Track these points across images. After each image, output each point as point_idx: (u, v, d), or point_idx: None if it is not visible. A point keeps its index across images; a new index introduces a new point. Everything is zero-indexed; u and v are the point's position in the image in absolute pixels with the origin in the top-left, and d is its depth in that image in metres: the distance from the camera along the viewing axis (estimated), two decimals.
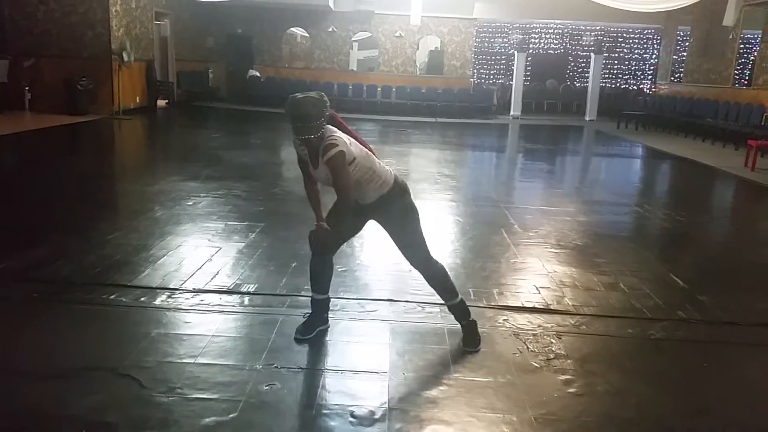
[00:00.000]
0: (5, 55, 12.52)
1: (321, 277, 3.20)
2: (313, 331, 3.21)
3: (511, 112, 17.77)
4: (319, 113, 2.77)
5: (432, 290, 3.28)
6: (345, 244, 3.45)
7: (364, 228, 3.22)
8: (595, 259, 4.82)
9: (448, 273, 3.27)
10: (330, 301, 3.31)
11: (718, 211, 7.86)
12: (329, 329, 3.29)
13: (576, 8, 15.56)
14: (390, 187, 3.00)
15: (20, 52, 12.76)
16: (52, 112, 12.30)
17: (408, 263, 3.20)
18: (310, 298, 3.27)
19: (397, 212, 3.05)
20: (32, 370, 2.78)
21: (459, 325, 3.25)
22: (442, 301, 3.28)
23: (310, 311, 3.28)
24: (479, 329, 3.27)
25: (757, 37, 14.16)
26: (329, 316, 3.34)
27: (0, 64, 12.24)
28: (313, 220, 3.03)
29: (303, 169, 3.04)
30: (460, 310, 3.23)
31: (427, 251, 3.15)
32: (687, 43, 17.28)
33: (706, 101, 14.86)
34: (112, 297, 3.61)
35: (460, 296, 3.24)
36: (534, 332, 3.42)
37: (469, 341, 3.20)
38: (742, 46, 14.88)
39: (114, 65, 13.02)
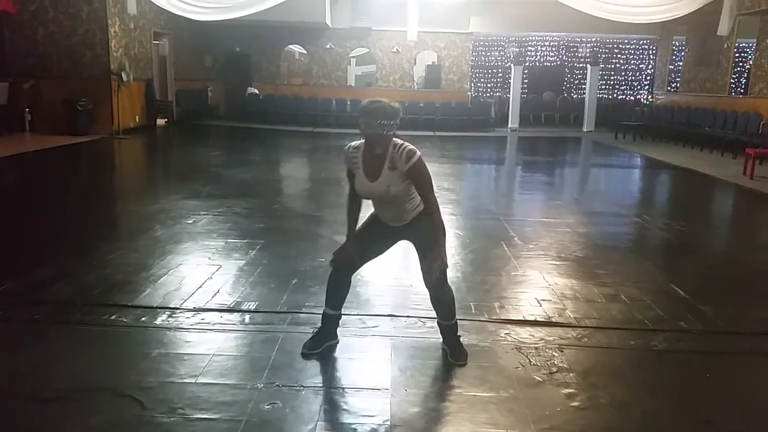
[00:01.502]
0: (5, 77, 12.60)
1: (339, 293, 3.21)
2: (322, 346, 3.20)
3: (509, 125, 17.84)
4: (388, 115, 2.79)
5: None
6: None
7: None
8: (595, 270, 4.82)
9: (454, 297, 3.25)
10: (340, 318, 3.31)
11: (718, 220, 7.86)
12: (336, 345, 3.28)
13: (571, 21, 15.67)
14: (422, 208, 3.01)
15: (20, 73, 12.85)
16: (52, 133, 12.35)
17: (424, 282, 3.12)
18: (321, 313, 3.26)
19: (426, 231, 3.00)
20: (33, 391, 2.77)
21: (456, 343, 3.23)
22: (438, 318, 3.24)
23: (318, 326, 3.27)
24: (481, 343, 3.26)
25: (752, 45, 14.25)
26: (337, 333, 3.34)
27: (0, 86, 12.32)
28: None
29: (351, 181, 3.04)
30: (451, 329, 3.22)
31: (446, 274, 3.11)
32: (683, 53, 17.39)
33: (703, 110, 14.92)
34: (113, 317, 3.60)
35: (456, 318, 3.24)
36: (536, 345, 3.41)
37: (459, 355, 3.18)
38: (737, 54, 14.99)
39: (113, 85, 13.10)
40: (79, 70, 13.06)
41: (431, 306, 3.23)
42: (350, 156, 2.96)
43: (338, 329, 3.36)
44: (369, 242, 3.15)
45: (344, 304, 3.24)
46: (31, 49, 12.96)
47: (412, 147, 2.87)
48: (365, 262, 3.25)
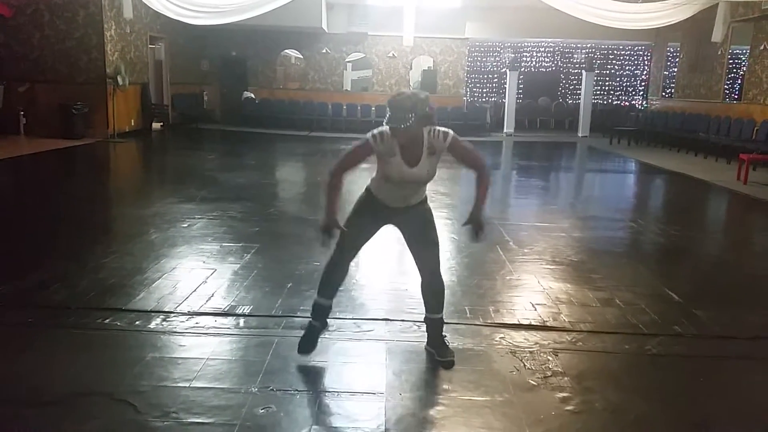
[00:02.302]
0: (1, 80, 12.58)
1: (335, 281, 3.21)
2: (317, 343, 3.20)
3: (505, 130, 17.89)
4: (415, 107, 2.82)
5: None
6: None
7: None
8: (590, 274, 4.83)
9: None
10: (331, 309, 3.29)
11: (712, 225, 7.90)
12: (326, 350, 3.27)
13: (566, 27, 15.73)
14: (426, 194, 3.17)
15: (16, 77, 12.83)
16: (47, 137, 12.32)
17: (419, 270, 3.17)
18: (312, 305, 3.23)
19: (427, 215, 3.15)
20: (27, 396, 2.76)
21: (441, 342, 3.25)
22: (427, 312, 3.24)
23: (308, 324, 3.23)
24: (476, 347, 3.27)
25: (746, 52, 14.34)
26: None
27: None
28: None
29: (358, 162, 3.01)
30: (440, 324, 3.24)
31: (439, 261, 3.19)
32: (677, 59, 17.48)
33: (697, 116, 14.99)
34: (107, 321, 3.59)
35: (443, 313, 3.26)
36: (531, 349, 3.41)
37: (445, 352, 3.19)
38: (731, 61, 15.06)
39: (109, 89, 13.08)
40: (74, 74, 13.04)
41: (422, 297, 3.22)
42: (386, 143, 2.92)
43: (332, 332, 3.35)
44: (365, 223, 3.13)
45: (339, 309, 3.24)
46: (26, 52, 12.93)
47: (443, 128, 2.96)
48: (361, 244, 3.19)
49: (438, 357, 3.19)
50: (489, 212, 7.36)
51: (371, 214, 3.12)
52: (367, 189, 3.13)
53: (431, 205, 3.19)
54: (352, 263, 3.23)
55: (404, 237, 3.21)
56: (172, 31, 16.16)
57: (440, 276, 3.19)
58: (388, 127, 2.88)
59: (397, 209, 3.10)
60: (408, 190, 3.08)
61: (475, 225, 3.08)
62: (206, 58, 18.70)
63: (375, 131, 2.94)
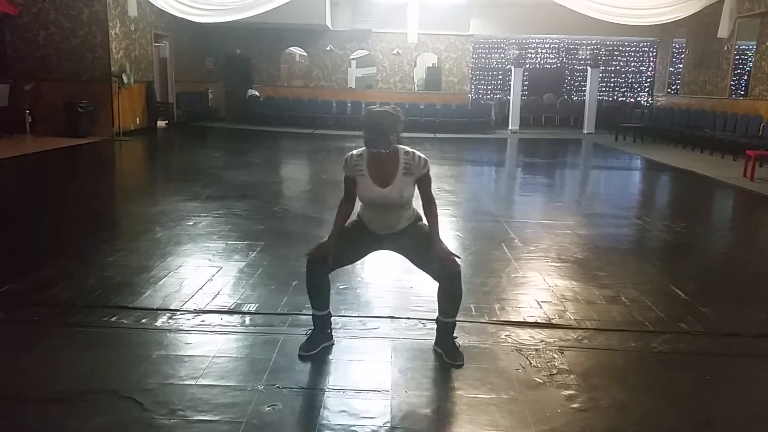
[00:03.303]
0: (6, 78, 12.62)
1: (320, 293, 3.20)
2: (318, 347, 3.20)
3: (510, 127, 17.86)
4: (396, 127, 2.83)
5: (435, 305, 3.25)
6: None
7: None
8: (596, 272, 4.82)
9: None
10: (331, 316, 3.30)
11: (718, 222, 7.86)
12: (333, 346, 3.28)
13: (571, 23, 15.70)
14: (416, 214, 3.18)
15: (21, 75, 12.88)
16: (53, 135, 12.38)
17: (437, 279, 3.14)
18: (311, 316, 3.27)
19: (422, 230, 3.16)
20: (33, 394, 2.77)
21: (451, 344, 3.23)
22: (440, 315, 3.23)
23: (311, 328, 3.28)
24: (481, 345, 3.27)
25: (752, 48, 14.26)
26: (333, 333, 3.34)
27: (1, 88, 12.33)
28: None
29: (349, 189, 3.07)
30: (451, 327, 3.22)
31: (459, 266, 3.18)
32: (683, 55, 17.40)
33: (703, 112, 14.93)
34: (113, 319, 3.61)
35: (456, 317, 3.25)
36: (536, 347, 3.40)
37: (456, 355, 3.18)
38: (737, 57, 15.00)
39: (114, 87, 13.12)
40: (79, 72, 13.09)
41: (432, 307, 3.22)
42: (353, 164, 2.98)
43: (337, 330, 3.35)
44: (349, 247, 3.14)
45: (345, 307, 3.24)
46: (32, 51, 12.98)
47: (419, 152, 2.97)
48: (339, 266, 3.23)
49: (447, 359, 3.17)
50: (497, 212, 7.34)
51: (356, 240, 3.13)
52: (358, 214, 3.16)
53: (436, 202, 3.17)
54: (348, 266, 3.25)
55: (408, 257, 3.21)
56: (177, 29, 16.19)
57: (460, 282, 3.12)
58: (364, 147, 2.89)
59: (386, 236, 3.11)
60: (388, 215, 3.06)
61: (445, 256, 3.03)
62: (211, 56, 18.73)
63: (354, 151, 2.97)
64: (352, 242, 3.13)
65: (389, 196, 2.96)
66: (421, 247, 3.13)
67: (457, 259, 3.07)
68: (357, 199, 3.14)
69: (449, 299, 3.16)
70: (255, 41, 18.48)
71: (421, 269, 3.20)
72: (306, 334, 3.30)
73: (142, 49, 14.70)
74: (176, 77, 16.84)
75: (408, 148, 2.97)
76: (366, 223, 3.14)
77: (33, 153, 10.95)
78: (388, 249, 3.19)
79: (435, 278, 3.15)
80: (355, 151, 3.02)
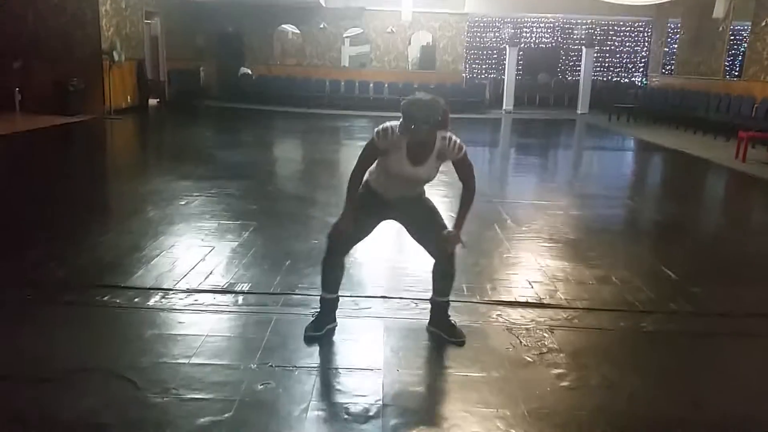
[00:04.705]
0: None
1: (334, 276, 3.22)
2: (323, 329, 3.21)
3: (504, 107, 17.80)
4: (431, 118, 2.84)
5: (427, 285, 3.28)
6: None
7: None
8: (587, 252, 4.85)
9: None
10: (339, 300, 3.31)
11: (710, 203, 7.91)
12: (336, 327, 3.29)
13: (567, 2, 15.61)
14: (423, 189, 3.24)
15: (10, 53, 12.68)
16: (43, 113, 12.23)
17: (434, 255, 3.17)
18: (319, 298, 3.27)
19: (427, 202, 3.22)
20: (26, 372, 2.78)
21: (448, 323, 3.26)
22: (435, 295, 3.26)
23: (317, 310, 3.28)
24: (473, 324, 3.30)
25: (747, 28, 14.21)
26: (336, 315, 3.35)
27: None
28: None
29: (369, 161, 3.03)
30: (446, 306, 3.26)
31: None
32: (678, 36, 17.33)
33: (697, 93, 14.91)
34: (106, 298, 3.60)
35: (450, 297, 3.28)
36: (527, 327, 3.43)
37: (455, 333, 3.21)
38: (732, 37, 14.94)
39: (105, 65, 12.96)
40: (70, 50, 12.89)
41: (424, 287, 3.24)
42: (393, 139, 2.91)
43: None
44: (364, 217, 3.13)
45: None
46: (21, 28, 12.77)
47: (459, 139, 2.99)
48: (359, 240, 3.23)
49: (447, 336, 3.20)
50: (489, 192, 7.37)
51: (369, 209, 3.12)
52: (365, 182, 3.13)
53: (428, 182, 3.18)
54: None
55: (409, 228, 3.21)
56: (168, 6, 15.97)
57: (454, 261, 3.18)
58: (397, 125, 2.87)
59: (394, 201, 3.11)
60: (405, 185, 3.10)
61: (453, 238, 3.07)
62: (202, 33, 18.49)
63: (380, 127, 2.92)
64: (366, 212, 3.12)
65: (417, 175, 3.01)
66: (424, 221, 3.15)
67: (460, 245, 3.10)
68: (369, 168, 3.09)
69: (442, 277, 3.19)
70: (247, 18, 18.24)
71: (419, 243, 3.22)
72: (312, 316, 3.31)
73: (133, 27, 14.49)
74: (168, 55, 16.64)
75: (447, 133, 2.96)
76: (376, 189, 3.11)
77: (22, 131, 10.82)
78: (393, 218, 3.19)
79: (432, 255, 3.18)
80: (390, 124, 2.91)
